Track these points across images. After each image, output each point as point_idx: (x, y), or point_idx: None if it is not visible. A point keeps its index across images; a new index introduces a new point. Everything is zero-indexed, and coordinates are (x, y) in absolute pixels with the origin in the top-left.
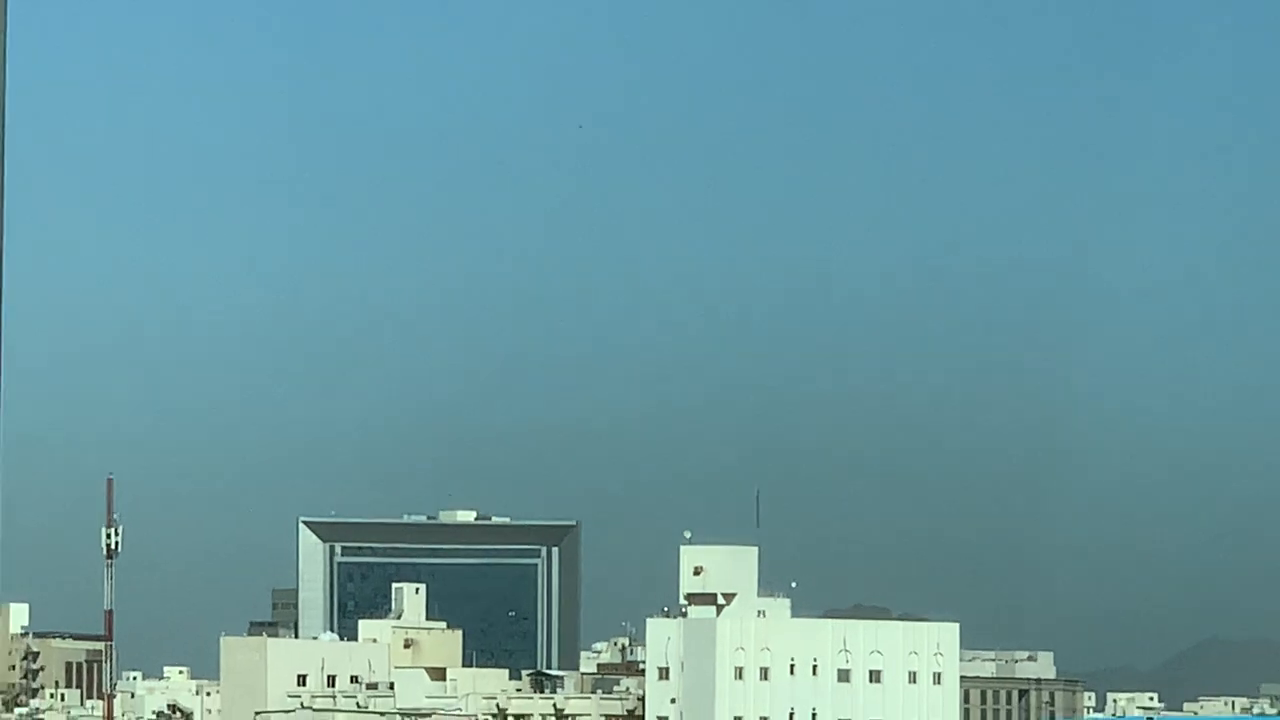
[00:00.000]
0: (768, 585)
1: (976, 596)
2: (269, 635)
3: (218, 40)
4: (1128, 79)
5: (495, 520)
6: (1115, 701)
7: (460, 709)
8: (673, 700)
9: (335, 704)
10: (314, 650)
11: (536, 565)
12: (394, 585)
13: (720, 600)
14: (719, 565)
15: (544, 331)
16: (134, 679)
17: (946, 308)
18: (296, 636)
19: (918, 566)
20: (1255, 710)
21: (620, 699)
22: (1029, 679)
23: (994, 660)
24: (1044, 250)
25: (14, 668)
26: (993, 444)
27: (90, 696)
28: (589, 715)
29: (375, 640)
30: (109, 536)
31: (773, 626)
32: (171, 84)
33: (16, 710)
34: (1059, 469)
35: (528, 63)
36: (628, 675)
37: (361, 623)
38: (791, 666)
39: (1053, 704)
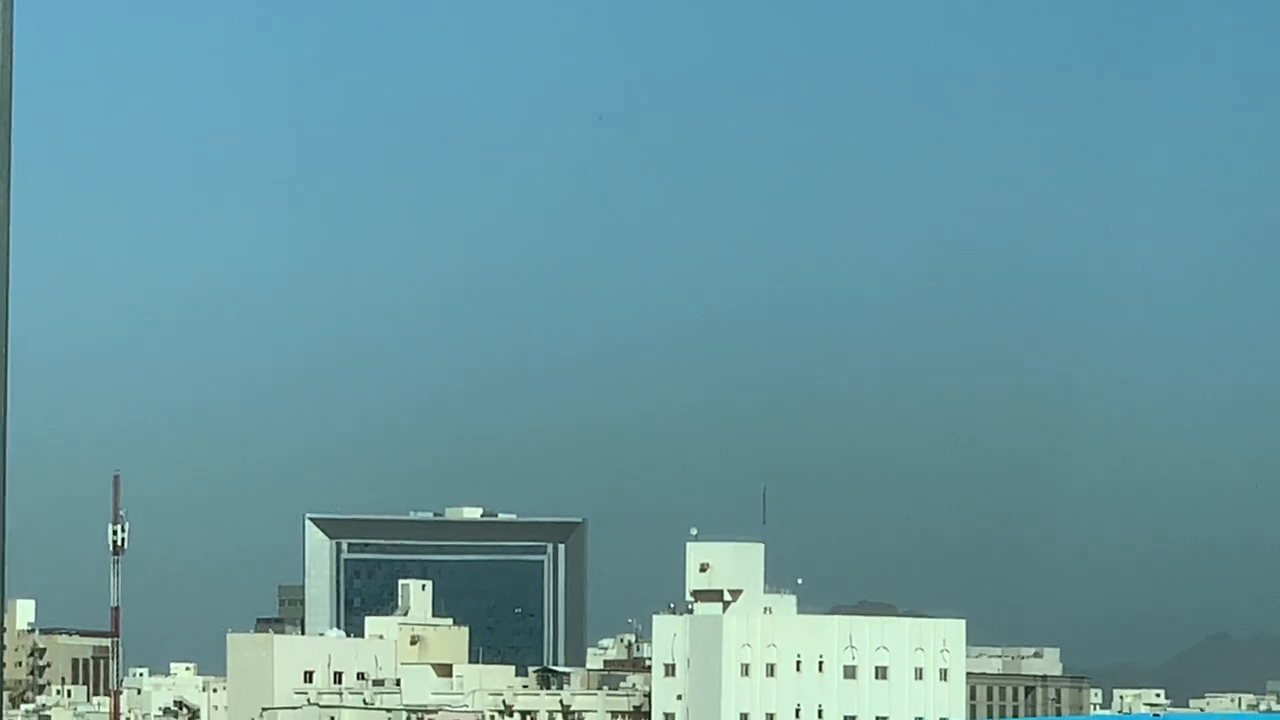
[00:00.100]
0: (774, 582)
1: (982, 593)
2: (275, 632)
3: (218, 40)
4: (1128, 79)
5: (501, 517)
6: (1121, 698)
7: (467, 706)
8: (679, 697)
9: (341, 700)
10: (320, 647)
11: (543, 562)
12: (400, 582)
13: (726, 597)
14: (725, 562)
15: (550, 329)
16: (140, 675)
17: (950, 306)
18: (303, 633)
19: (924, 563)
20: (1261, 707)
21: (626, 695)
22: (1035, 675)
23: (1000, 657)
24: (1046, 248)
25: (21, 664)
26: (999, 441)
27: (97, 693)
28: (595, 712)
29: (382, 637)
30: (115, 533)
31: (779, 623)
32: (173, 84)
33: (23, 707)
34: (1065, 465)
35: (528, 63)
36: (634, 672)
37: (368, 619)
38: (797, 663)
39: (1059, 700)
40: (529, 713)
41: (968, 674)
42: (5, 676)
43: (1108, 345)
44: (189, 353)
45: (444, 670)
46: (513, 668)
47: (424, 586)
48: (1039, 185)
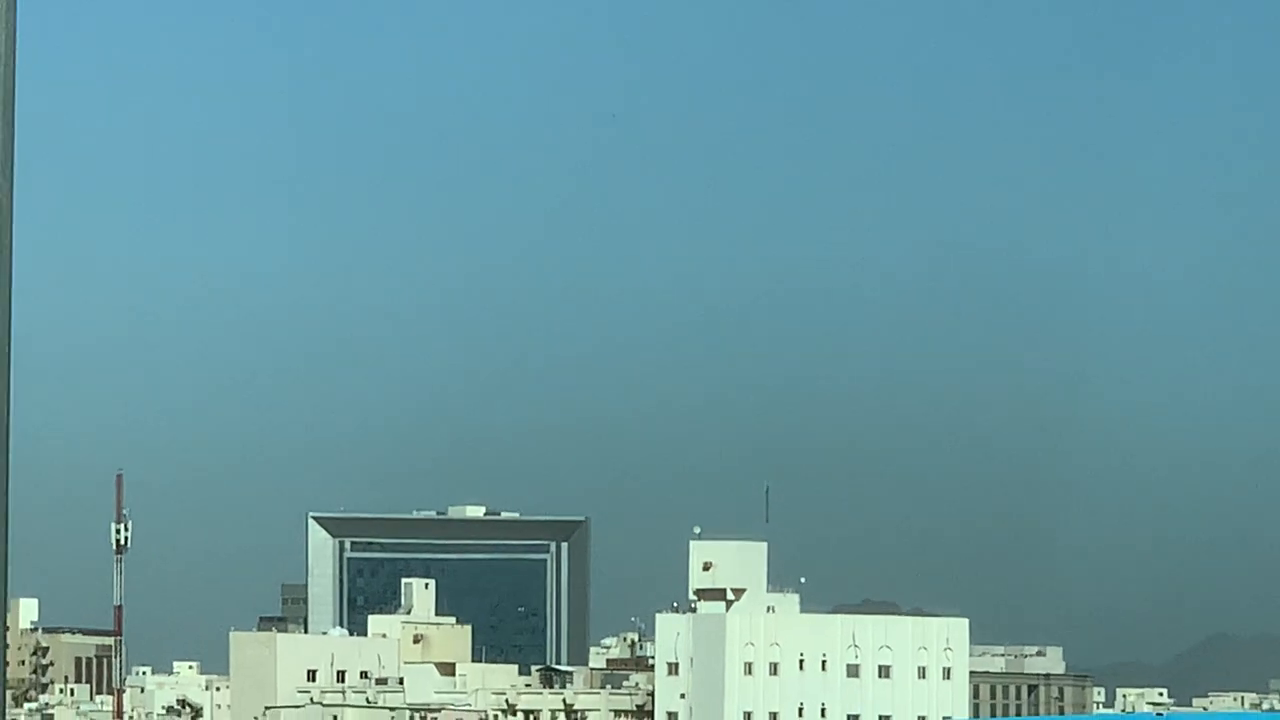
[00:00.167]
0: (777, 581)
1: (986, 592)
2: (278, 630)
3: (218, 40)
4: (1128, 79)
5: (504, 516)
6: (1125, 697)
7: (469, 705)
8: (682, 695)
9: (345, 699)
10: (323, 645)
11: (546, 560)
12: (403, 581)
13: (730, 596)
14: (728, 561)
15: (552, 328)
16: (144, 674)
17: (952, 305)
18: (306, 632)
19: (927, 562)
20: (1264, 706)
21: (629, 694)
22: (1038, 674)
23: (1003, 655)
24: (1046, 248)
25: (24, 663)
26: (1001, 440)
27: (100, 692)
28: (598, 710)
29: (385, 635)
30: (119, 532)
31: (782, 622)
32: (173, 84)
33: (26, 705)
34: (1067, 465)
35: (528, 63)
36: (637, 670)
37: (371, 618)
38: (801, 662)
39: (1062, 699)
40: (532, 712)
41: (971, 673)
42: (8, 675)
43: (1109, 345)
44: (191, 352)
45: (447, 669)
46: (515, 667)
47: (427, 585)
48: (1039, 185)
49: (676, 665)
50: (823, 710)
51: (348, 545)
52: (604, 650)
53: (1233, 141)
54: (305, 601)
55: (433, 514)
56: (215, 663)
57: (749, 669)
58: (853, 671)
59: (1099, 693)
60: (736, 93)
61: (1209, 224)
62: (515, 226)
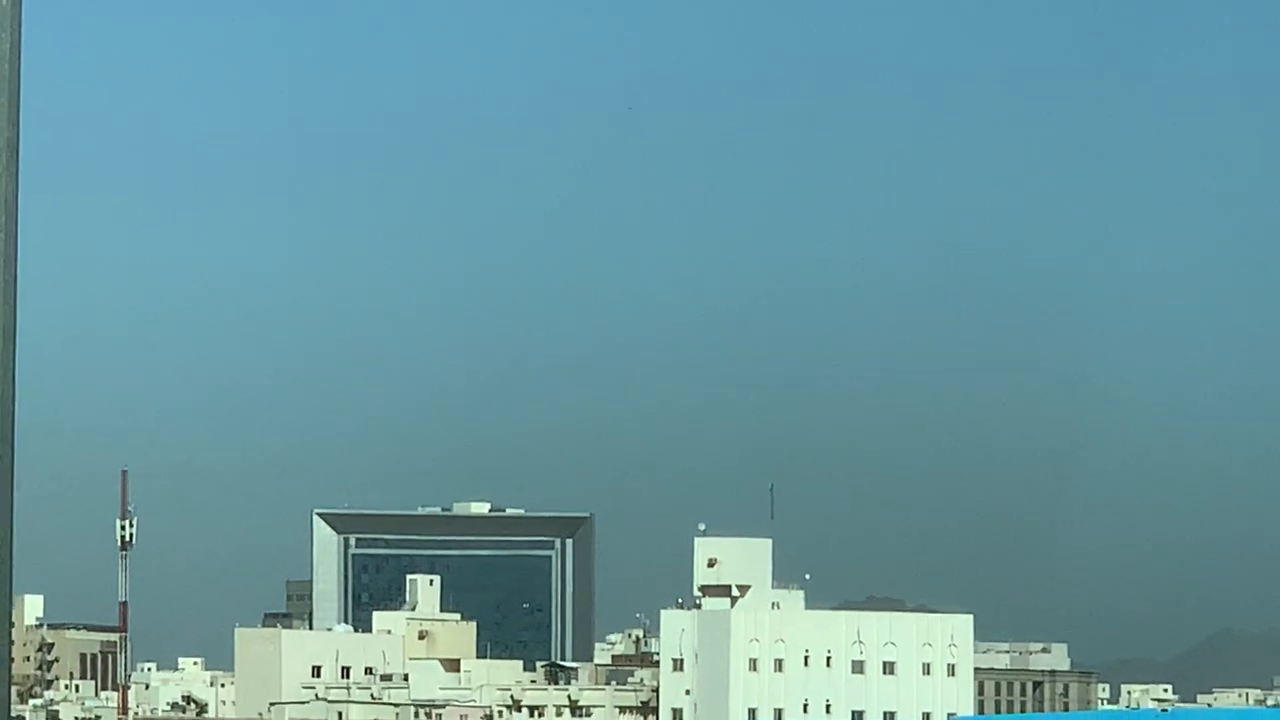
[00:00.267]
0: (782, 577)
1: (990, 588)
2: (283, 627)
3: (218, 40)
4: (1128, 79)
5: (509, 512)
6: (1129, 693)
7: (474, 700)
8: (687, 692)
9: (349, 695)
10: (328, 642)
11: (551, 557)
12: (408, 577)
13: (734, 592)
14: (733, 557)
15: (556, 326)
16: (149, 670)
17: (955, 303)
18: (311, 628)
19: (932, 558)
20: (1269, 702)
21: (635, 690)
22: (1043, 671)
23: (1008, 652)
24: (1046, 248)
25: (29, 659)
26: (1006, 437)
27: (105, 688)
28: (603, 707)
29: (389, 632)
30: (123, 528)
31: (787, 618)
32: (175, 84)
33: (31, 702)
34: (1072, 462)
35: (528, 63)
36: (642, 667)
37: (376, 614)
38: (806, 658)
39: (1067, 696)
40: (537, 708)
41: (975, 669)
42: (13, 671)
43: (1112, 343)
44: (196, 350)
45: (452, 665)
46: (520, 663)
47: (432, 581)
48: (1039, 185)
49: (681, 661)
50: (827, 707)
51: (352, 541)
52: (609, 646)
53: (1233, 141)
54: (310, 598)
55: (438, 510)
56: (220, 659)
57: (754, 665)
58: (857, 668)
59: (1103, 689)
60: (736, 93)
61: (1209, 224)
62: (517, 225)
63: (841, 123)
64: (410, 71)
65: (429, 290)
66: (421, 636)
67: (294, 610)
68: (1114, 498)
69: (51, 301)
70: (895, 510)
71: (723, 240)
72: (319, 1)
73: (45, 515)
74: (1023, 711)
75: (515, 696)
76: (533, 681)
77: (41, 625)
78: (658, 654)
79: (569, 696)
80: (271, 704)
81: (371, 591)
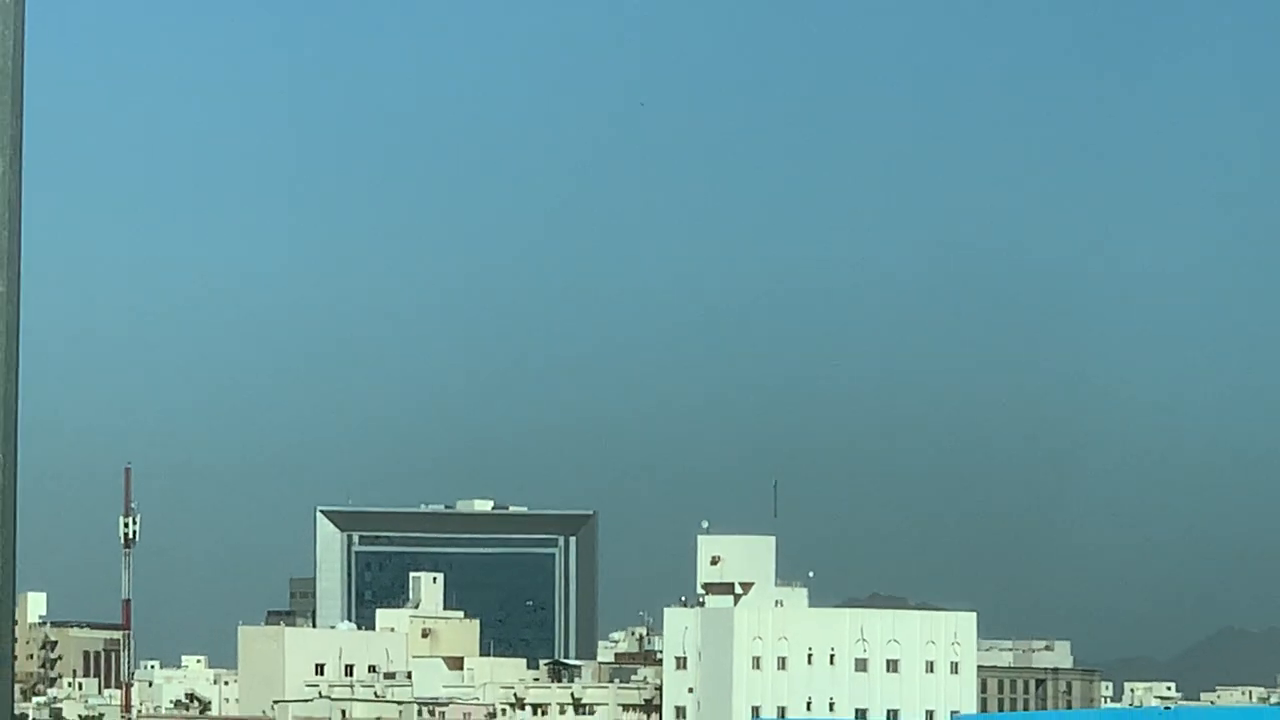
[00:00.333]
0: (785, 575)
1: (994, 586)
2: (286, 624)
3: (218, 40)
4: (1128, 79)
5: (513, 510)
6: (1132, 691)
7: (477, 698)
8: (690, 690)
9: (353, 693)
10: (331, 639)
11: (554, 555)
12: (411, 575)
13: (738, 590)
14: (736, 555)
15: (560, 325)
16: (152, 668)
17: (961, 302)
18: (314, 626)
19: (935, 556)
20: (1272, 700)
21: (638, 688)
22: (1046, 669)
23: (1011, 650)
24: (1047, 247)
25: (32, 657)
26: (1010, 436)
27: (108, 686)
28: (606, 705)
29: (393, 629)
30: (127, 526)
31: (790, 616)
32: (176, 84)
33: (35, 699)
34: (1076, 460)
35: (528, 63)
36: (645, 665)
37: (379, 612)
38: (809, 656)
39: (1070, 693)
40: (540, 705)
41: (979, 667)
42: (16, 669)
43: (1115, 342)
44: (199, 348)
45: (455, 663)
46: (524, 660)
47: (435, 579)
48: (1039, 185)
49: (684, 659)
50: (831, 704)
51: (356, 539)
52: (612, 644)
53: (1233, 141)
54: (313, 595)
55: (441, 508)
56: (223, 657)
57: (757, 663)
58: (861, 666)
59: (1107, 687)
60: (736, 93)
61: (1209, 224)
62: (519, 225)
63: (841, 123)
64: (410, 71)
65: (432, 289)
66: (425, 634)
67: (297, 608)
68: (1116, 496)
69: (55, 300)
70: (898, 508)
71: (725, 239)
72: (319, 2)
73: (48, 513)
74: (1026, 709)
75: (518, 694)
76: (536, 679)
77: (45, 623)
78: (661, 652)
79: (572, 694)
80: (275, 702)
81: (375, 589)
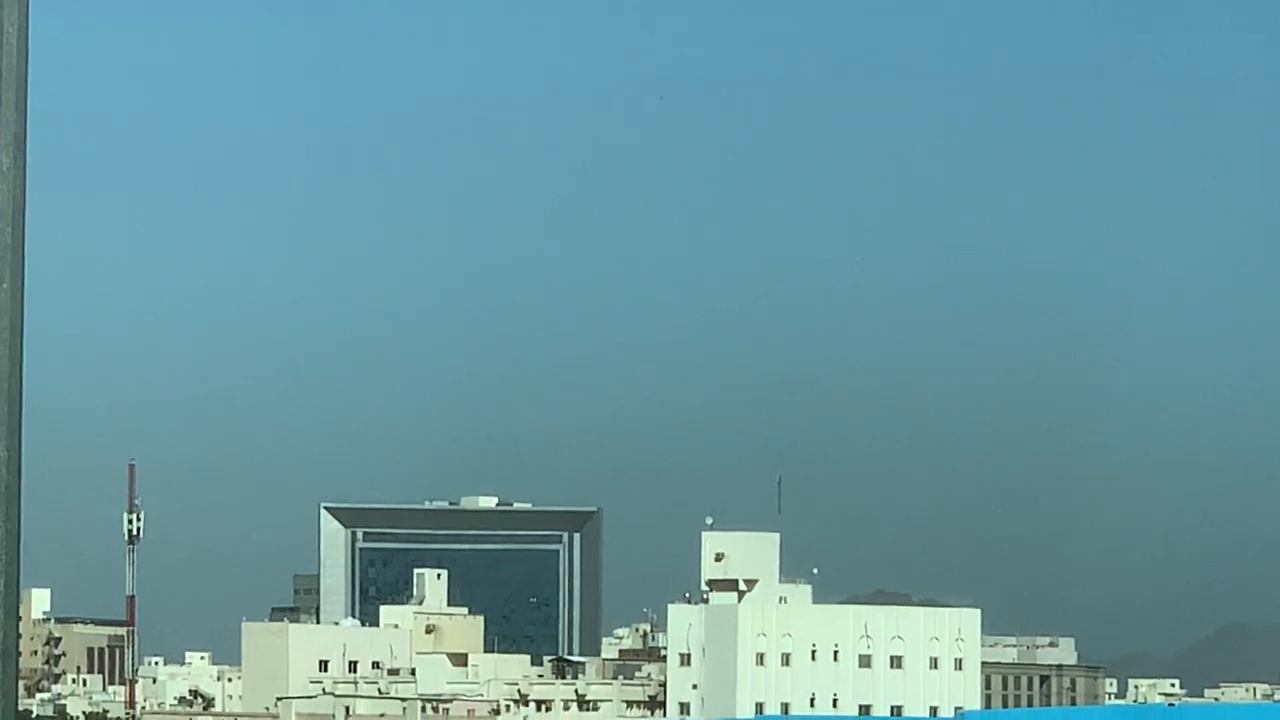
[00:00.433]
0: (789, 571)
1: (998, 582)
2: (290, 621)
3: (219, 41)
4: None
5: (517, 506)
6: (1136, 688)
7: (482, 695)
8: (694, 686)
9: (357, 690)
10: (336, 636)
11: (558, 551)
12: (415, 571)
13: (742, 586)
14: (740, 551)
15: (566, 324)
16: (156, 664)
17: (966, 300)
18: (318, 622)
19: (939, 552)
20: (1276, 696)
21: (642, 685)
22: (1050, 665)
23: (1015, 646)
24: (1051, 244)
25: (36, 653)
26: (1014, 432)
27: (112, 682)
28: (610, 701)
29: (397, 626)
30: (131, 522)
31: (794, 612)
32: (177, 83)
33: (39, 696)
34: (1079, 456)
35: (528, 63)
36: (649, 661)
37: (383, 608)
38: (813, 652)
39: (1074, 690)
40: (544, 702)
41: (983, 663)
42: (20, 665)
43: (1119, 339)
44: (205, 344)
45: (459, 659)
46: (528, 657)
47: (439, 576)
48: (1039, 185)
49: (689, 656)
50: (835, 701)
51: (360, 536)
52: (616, 641)
53: (1233, 141)
54: (317, 592)
55: (445, 504)
56: (227, 653)
57: (761, 660)
58: (865, 662)
59: (1111, 683)
60: (737, 93)
61: (1209, 223)
62: (522, 224)
63: (842, 123)
64: (410, 72)
65: (436, 286)
66: (429, 631)
67: (301, 604)
68: (1120, 493)
69: (60, 296)
70: (902, 505)
71: (729, 237)
72: (320, 3)
73: (53, 509)
74: (1030, 706)
75: (523, 691)
76: (540, 676)
77: (49, 619)
78: (665, 648)
79: (576, 691)
80: (279, 698)
81: (379, 586)
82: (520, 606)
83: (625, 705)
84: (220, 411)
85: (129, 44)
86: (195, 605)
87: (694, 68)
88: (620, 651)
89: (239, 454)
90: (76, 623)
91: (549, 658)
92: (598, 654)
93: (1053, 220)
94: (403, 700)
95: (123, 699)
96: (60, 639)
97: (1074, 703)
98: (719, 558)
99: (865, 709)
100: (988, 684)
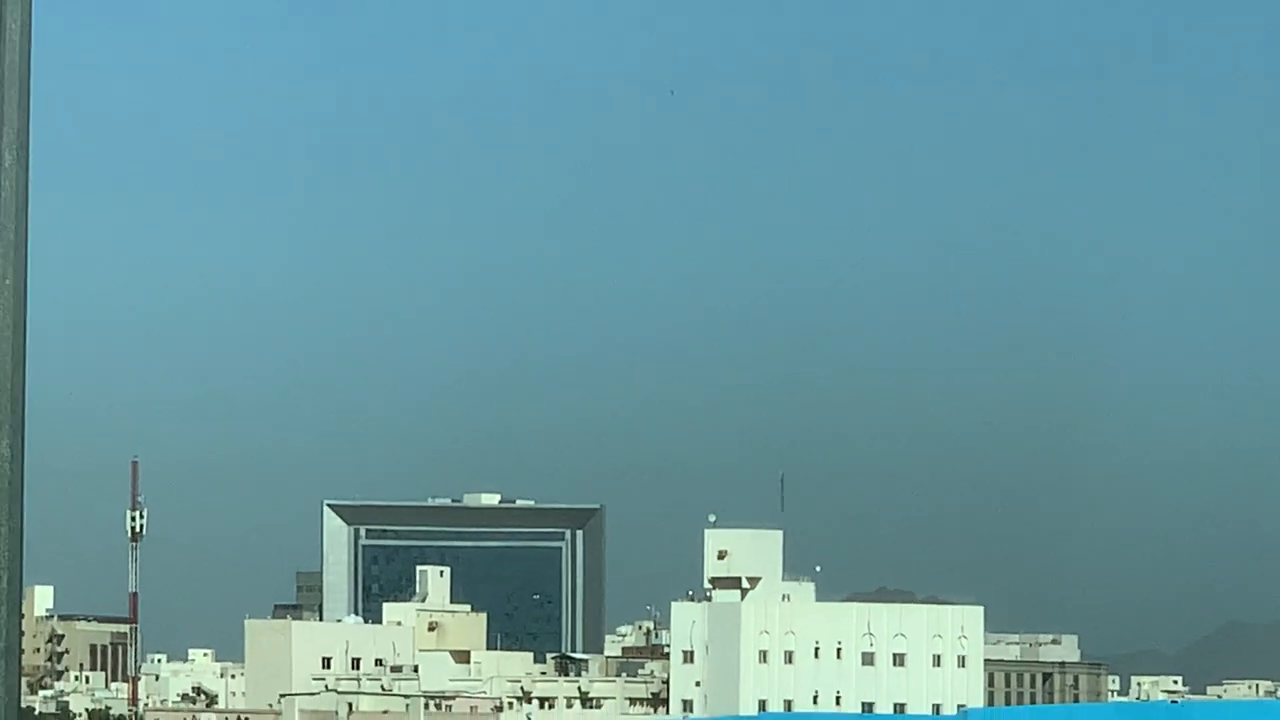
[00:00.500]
0: (792, 569)
1: (1001, 580)
2: (293, 618)
3: (220, 40)
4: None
5: (519, 503)
6: (1139, 685)
7: (484, 692)
8: (697, 683)
9: (359, 687)
10: (338, 633)
11: (561, 548)
12: (418, 568)
13: (745, 584)
14: (743, 549)
15: (568, 321)
16: (159, 662)
17: (966, 298)
18: (321, 619)
19: (942, 550)
20: (1279, 693)
21: (645, 682)
22: (1053, 662)
23: (1018, 643)
24: (1059, 241)
25: (39, 650)
26: (1016, 431)
27: (115, 679)
28: (613, 698)
29: (399, 623)
30: (134, 519)
31: (797, 610)
32: (178, 84)
33: (42, 693)
34: (1082, 455)
35: (527, 62)
36: (652, 658)
37: (386, 605)
38: (816, 650)
39: (1077, 687)
40: (547, 699)
41: (986, 661)
42: (23, 662)
43: (1120, 338)
44: (208, 342)
45: (462, 657)
46: (531, 654)
47: (442, 573)
48: (1039, 185)
49: (692, 653)
50: (837, 698)
51: (363, 533)
52: (619, 638)
53: (1235, 140)
54: (320, 589)
55: (448, 502)
56: (230, 650)
57: (764, 657)
58: (868, 660)
59: (1114, 681)
60: (738, 93)
61: (1210, 223)
62: (526, 221)
63: (844, 123)
64: (410, 72)
65: (439, 284)
66: (431, 628)
67: (304, 602)
68: (1123, 491)
69: (64, 294)
70: (905, 503)
71: (732, 237)
72: (320, 3)
73: (56, 506)
74: (1033, 703)
75: (525, 688)
76: (543, 673)
77: (52, 616)
78: (668, 646)
79: (579, 688)
80: (281, 695)
81: (381, 583)
82: (523, 604)
83: (628, 703)
84: (223, 409)
85: (130, 43)
86: (198, 602)
87: (694, 68)
88: (623, 649)
89: (242, 451)
90: (79, 620)
91: (552, 655)
92: (601, 651)
93: (1053, 220)
94: (405, 697)
95: (126, 696)
96: (63, 636)
97: (1077, 700)
98: (722, 555)
99: (868, 706)
100: (990, 681)
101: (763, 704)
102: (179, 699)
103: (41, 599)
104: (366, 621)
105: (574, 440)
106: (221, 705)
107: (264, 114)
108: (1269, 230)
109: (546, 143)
